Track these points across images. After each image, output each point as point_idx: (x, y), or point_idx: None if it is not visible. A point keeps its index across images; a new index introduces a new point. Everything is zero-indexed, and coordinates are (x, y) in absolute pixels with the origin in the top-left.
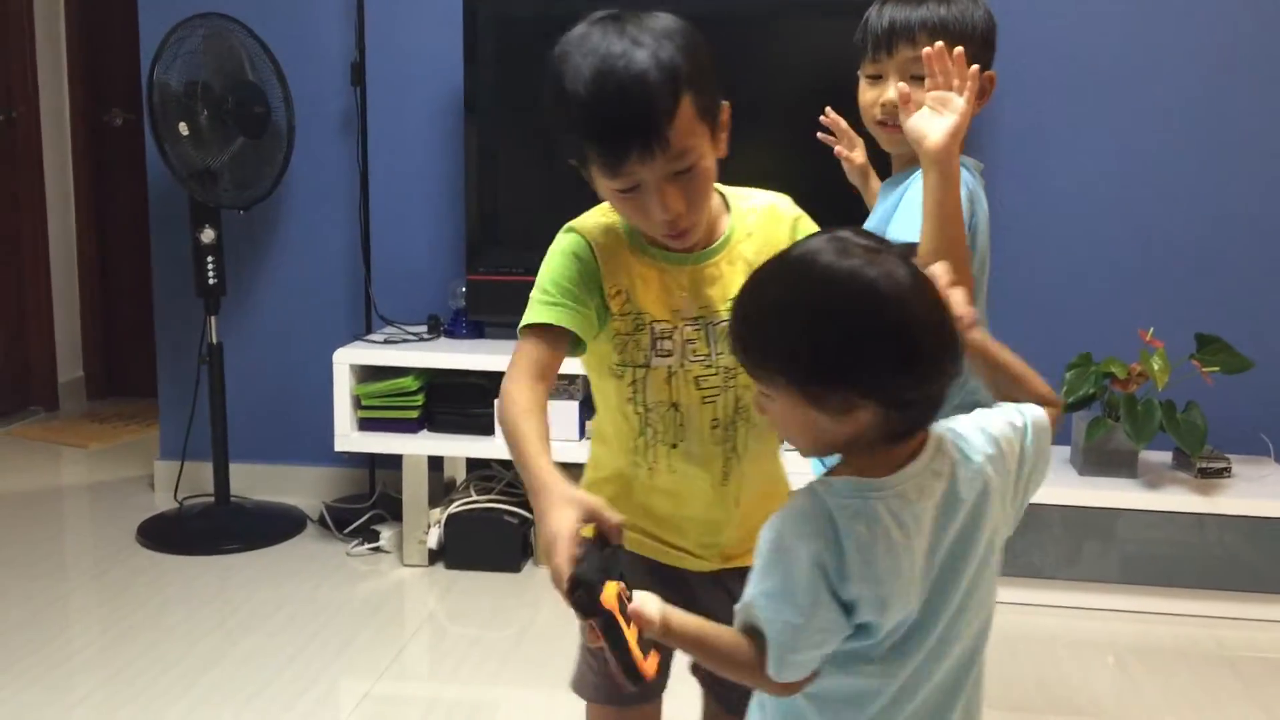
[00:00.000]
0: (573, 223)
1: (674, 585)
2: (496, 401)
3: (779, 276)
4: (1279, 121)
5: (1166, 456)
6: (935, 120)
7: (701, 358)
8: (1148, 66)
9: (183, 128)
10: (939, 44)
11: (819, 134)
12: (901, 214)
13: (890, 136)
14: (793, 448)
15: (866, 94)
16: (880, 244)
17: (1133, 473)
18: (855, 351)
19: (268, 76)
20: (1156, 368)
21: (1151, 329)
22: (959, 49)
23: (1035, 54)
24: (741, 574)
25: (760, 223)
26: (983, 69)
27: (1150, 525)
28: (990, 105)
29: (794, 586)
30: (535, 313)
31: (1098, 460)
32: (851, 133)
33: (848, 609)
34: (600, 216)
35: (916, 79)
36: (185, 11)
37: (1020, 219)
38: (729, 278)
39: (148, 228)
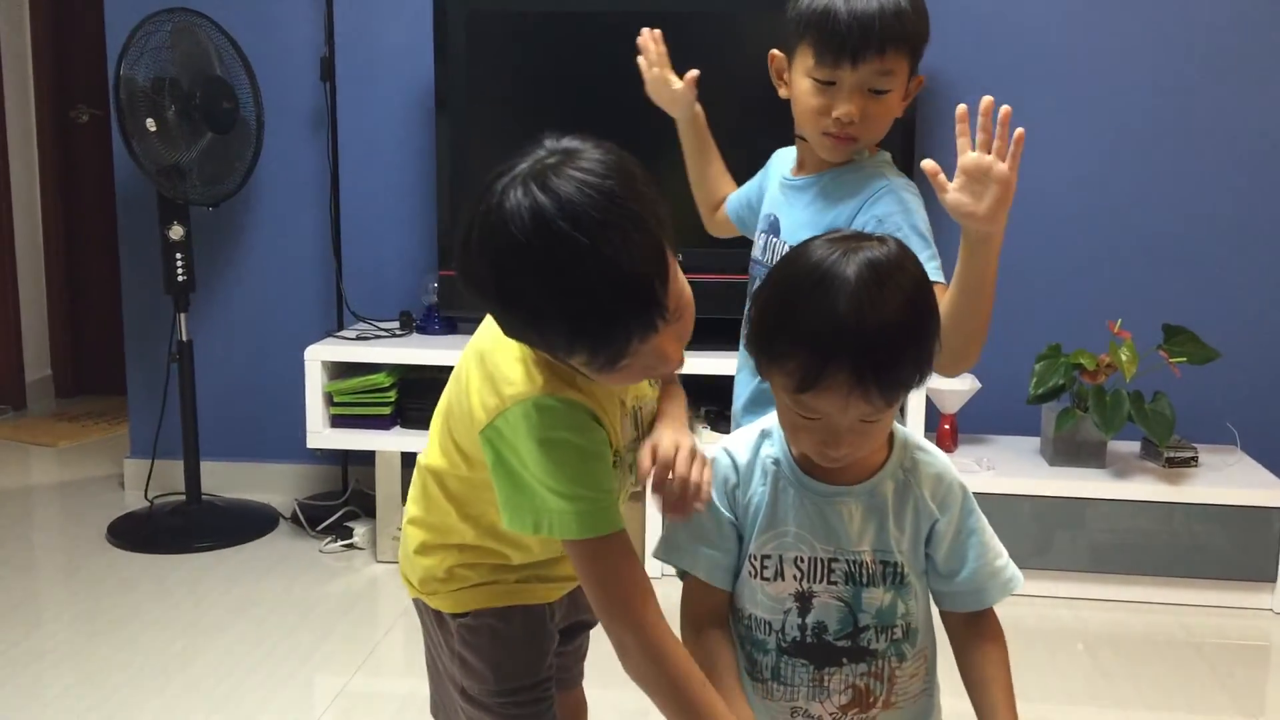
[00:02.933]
0: (541, 391)
1: (567, 606)
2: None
3: (899, 302)
4: (1246, 116)
5: (1135, 446)
6: (983, 195)
7: (633, 444)
8: (1117, 60)
9: (150, 124)
10: (986, 99)
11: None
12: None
13: (838, 148)
14: (860, 455)
15: (811, 99)
16: (847, 236)
17: (1101, 463)
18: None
19: (236, 72)
20: (1125, 359)
21: (1119, 320)
22: (1006, 108)
23: (1005, 48)
24: None
25: None
26: (916, 70)
27: (1119, 514)
28: (961, 96)
29: None
30: (604, 519)
31: (1067, 451)
32: (665, 59)
33: None
34: (575, 392)
35: (874, 93)
36: (152, 6)
37: None
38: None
39: (115, 224)
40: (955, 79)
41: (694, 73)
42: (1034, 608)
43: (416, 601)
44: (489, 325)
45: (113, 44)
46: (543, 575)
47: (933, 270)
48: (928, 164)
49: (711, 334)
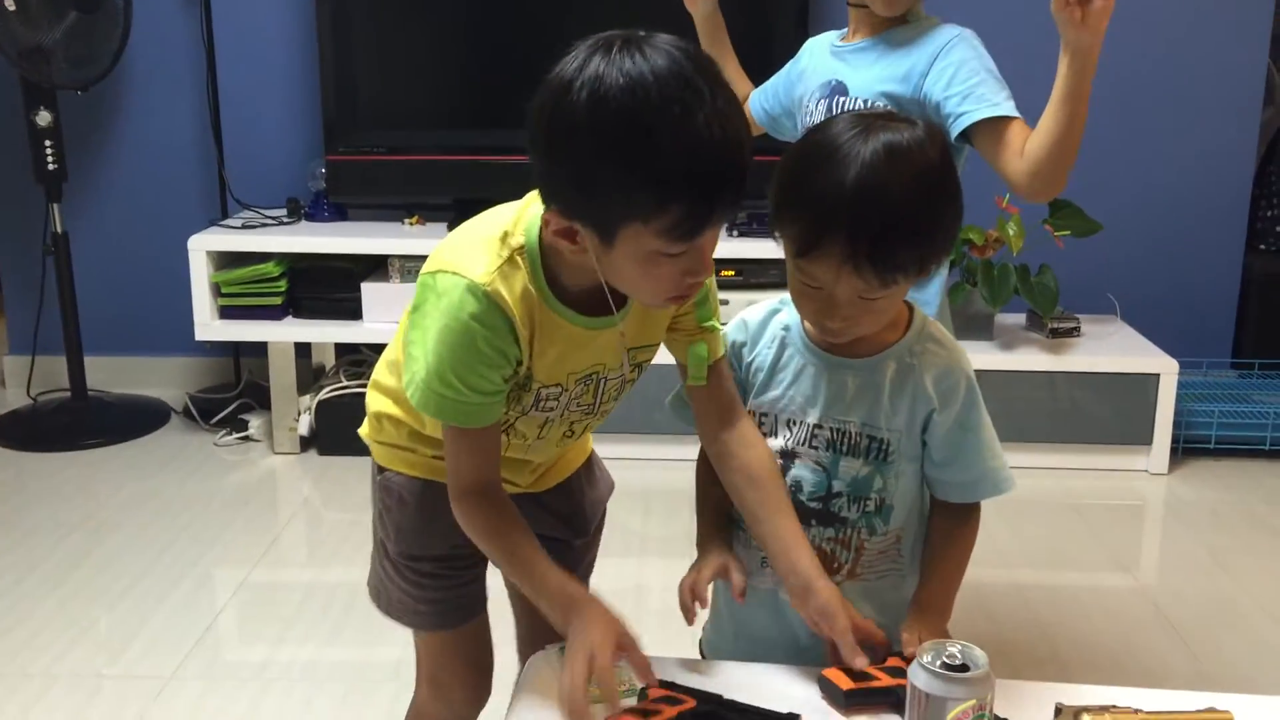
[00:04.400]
0: (481, 280)
1: None
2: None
3: (905, 182)
4: None
5: (1021, 318)
6: (1090, 13)
7: (585, 406)
8: None
9: (9, 2)
10: None
11: None
12: (966, 83)
13: (893, 0)
14: (862, 334)
15: None
16: (888, 114)
17: (989, 335)
18: (959, 203)
19: None
20: (1012, 233)
21: (1007, 195)
22: None
23: None
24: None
25: None
26: None
27: (1005, 384)
28: None
29: None
30: (471, 414)
31: (957, 324)
32: None
33: None
34: (508, 276)
35: None
36: None
37: None
38: (632, 336)
39: None
40: None
41: None
42: None
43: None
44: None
45: None
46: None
47: (1011, 108)
48: None
49: None
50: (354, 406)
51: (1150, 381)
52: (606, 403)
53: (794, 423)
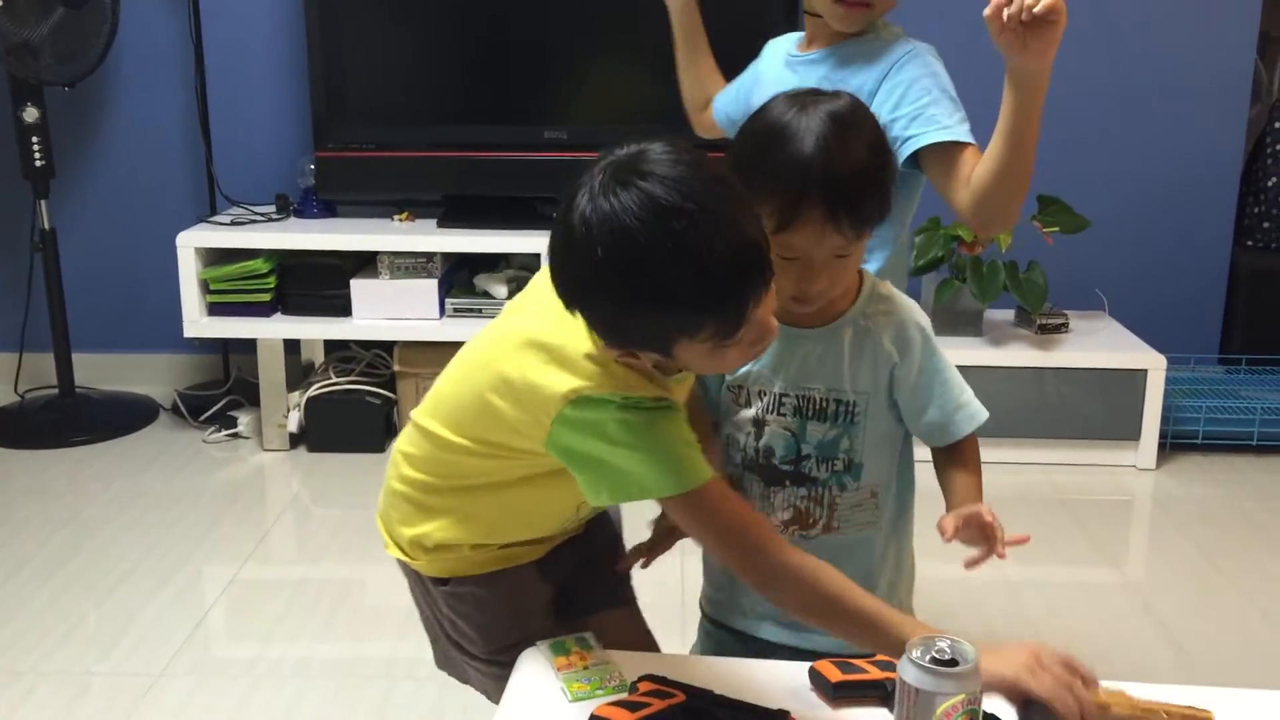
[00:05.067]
0: (657, 390)
1: (563, 562)
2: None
3: (861, 143)
4: None
5: (1010, 314)
6: (1035, 36)
7: None
8: None
9: None
10: None
11: None
12: (916, 103)
13: (852, 15)
14: (834, 294)
15: None
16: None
17: (978, 331)
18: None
19: None
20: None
21: None
22: None
23: None
24: None
25: None
26: None
27: (994, 380)
28: None
29: None
30: (702, 469)
31: (946, 320)
32: None
33: None
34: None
35: None
36: None
37: None
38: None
39: None
40: None
41: None
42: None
43: (400, 562)
44: (526, 312)
45: None
46: (526, 540)
47: (963, 132)
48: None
49: None
50: (343, 403)
51: (1138, 377)
52: None
53: (763, 393)
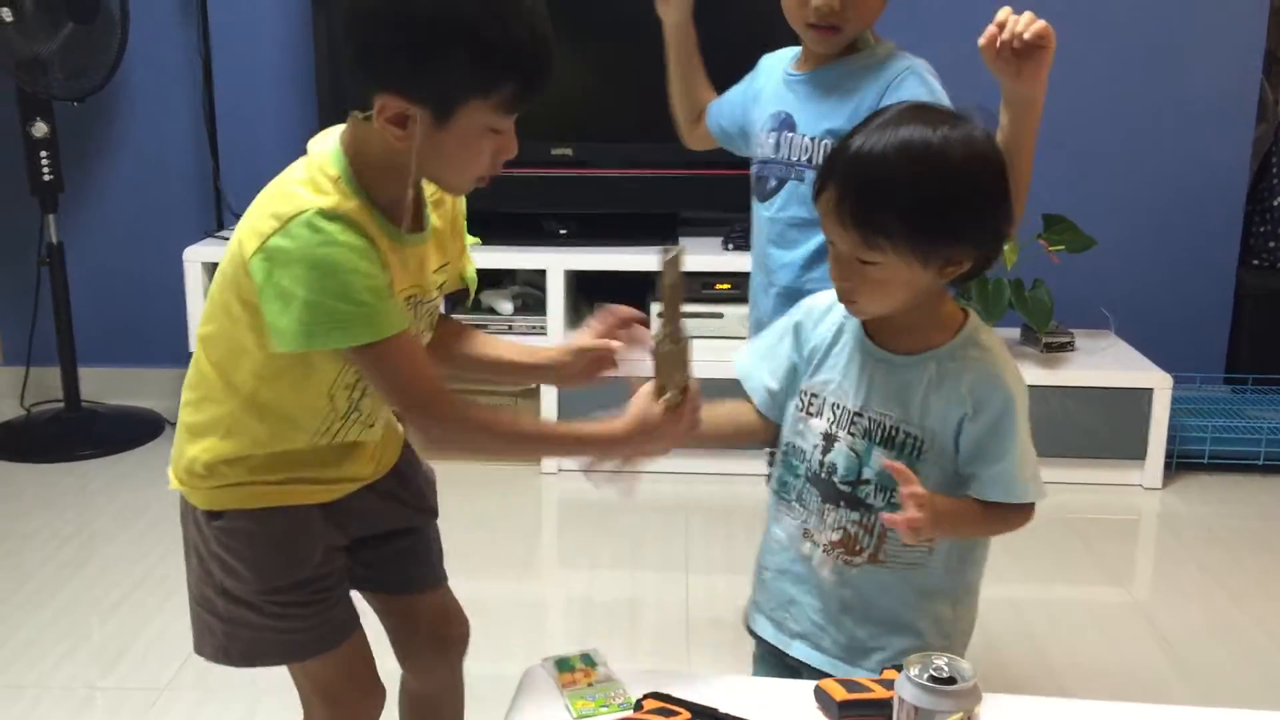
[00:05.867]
0: (330, 208)
1: (339, 518)
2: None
3: (896, 151)
4: (1124, 3)
5: (1015, 333)
6: (1028, 61)
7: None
8: None
9: (5, 13)
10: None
11: None
12: None
13: (824, 39)
14: (865, 306)
15: None
16: (956, 113)
17: None
18: (981, 213)
19: None
20: (1006, 247)
21: None
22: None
23: None
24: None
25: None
26: None
27: None
28: None
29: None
30: (379, 323)
31: None
32: None
33: None
34: (344, 200)
35: None
36: None
37: None
38: (431, 256)
39: None
40: None
41: None
42: None
43: (180, 499)
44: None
45: None
46: (306, 477)
47: None
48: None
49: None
50: None
51: (1144, 396)
52: (425, 332)
53: (838, 406)
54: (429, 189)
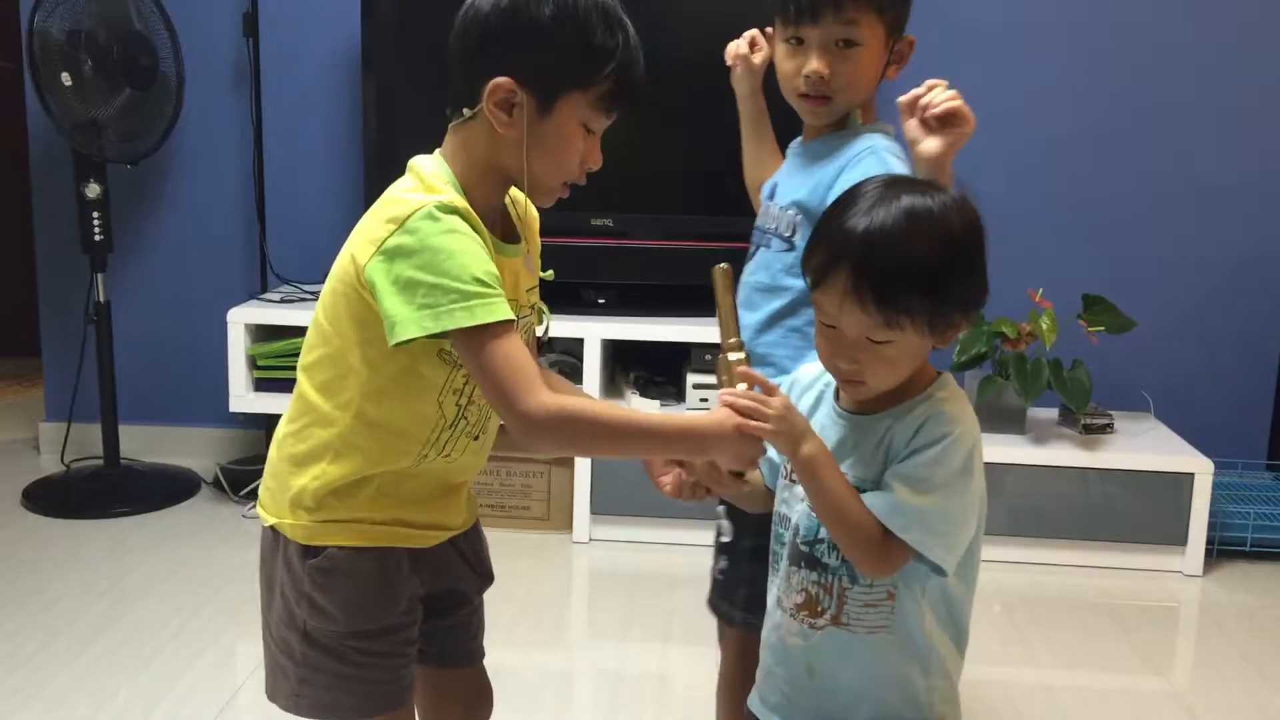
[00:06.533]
0: (447, 202)
1: (421, 568)
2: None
3: (906, 227)
4: (1163, 84)
5: (1053, 413)
6: (947, 128)
7: None
8: (1040, 36)
9: (65, 78)
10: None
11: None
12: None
13: (814, 109)
14: (874, 385)
15: (786, 63)
16: (928, 182)
17: (1021, 429)
18: (977, 274)
19: (156, 26)
20: (1045, 327)
21: (1040, 289)
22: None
23: (936, 22)
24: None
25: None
26: (900, 31)
27: (1037, 479)
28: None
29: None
30: (497, 308)
31: (988, 417)
32: (762, 39)
33: None
34: (458, 198)
35: (843, 47)
36: None
37: None
38: (523, 274)
39: (28, 182)
40: None
41: (764, 50)
42: None
43: (269, 536)
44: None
45: None
46: (408, 520)
47: None
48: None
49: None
50: None
51: (1185, 481)
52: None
53: None
54: (512, 213)
